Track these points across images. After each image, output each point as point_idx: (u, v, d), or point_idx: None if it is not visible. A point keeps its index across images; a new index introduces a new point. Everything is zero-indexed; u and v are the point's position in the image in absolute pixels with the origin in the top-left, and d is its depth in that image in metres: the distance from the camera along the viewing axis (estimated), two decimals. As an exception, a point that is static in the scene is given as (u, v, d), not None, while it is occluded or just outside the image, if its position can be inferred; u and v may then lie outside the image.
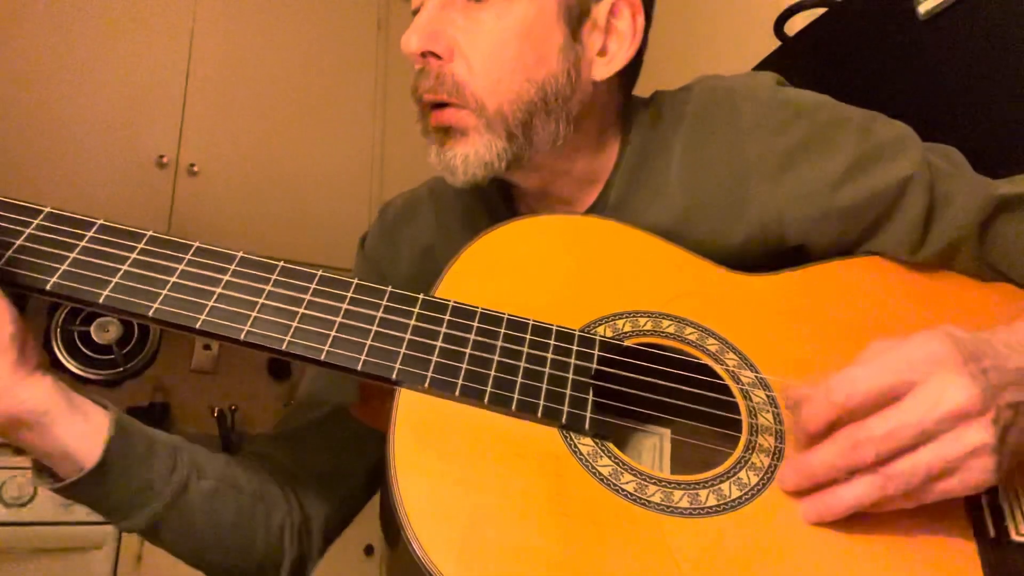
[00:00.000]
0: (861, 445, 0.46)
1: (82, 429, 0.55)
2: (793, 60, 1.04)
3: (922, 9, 0.84)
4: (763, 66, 1.07)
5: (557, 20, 0.64)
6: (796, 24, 1.05)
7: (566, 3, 0.64)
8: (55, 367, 2.25)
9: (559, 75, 0.64)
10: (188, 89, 2.32)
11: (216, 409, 2.33)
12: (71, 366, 2.25)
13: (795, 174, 0.65)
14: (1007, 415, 0.46)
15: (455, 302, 0.56)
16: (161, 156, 2.23)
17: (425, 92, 0.64)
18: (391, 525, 0.49)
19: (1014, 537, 0.50)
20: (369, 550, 2.02)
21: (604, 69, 0.67)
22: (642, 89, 0.74)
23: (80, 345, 2.27)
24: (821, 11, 1.00)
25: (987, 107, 0.80)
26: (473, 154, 0.63)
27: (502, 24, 0.62)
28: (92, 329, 2.28)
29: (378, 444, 0.73)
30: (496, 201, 0.75)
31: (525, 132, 0.64)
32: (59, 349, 2.25)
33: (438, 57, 0.63)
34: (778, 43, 1.10)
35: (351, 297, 0.55)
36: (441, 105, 0.64)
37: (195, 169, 2.28)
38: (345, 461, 0.74)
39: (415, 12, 0.66)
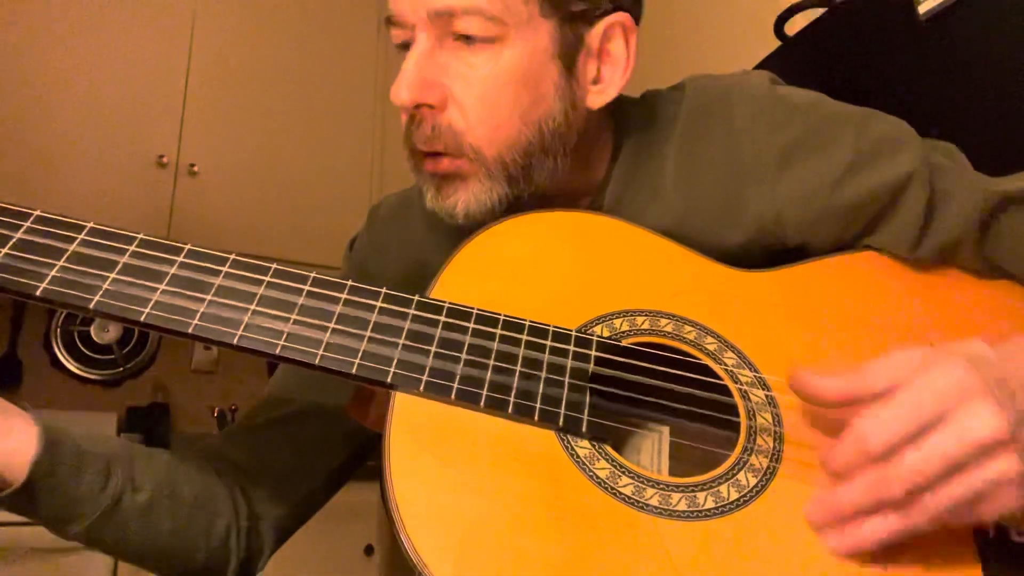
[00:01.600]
0: (889, 481, 0.45)
1: (6, 447, 0.55)
2: (793, 60, 1.04)
3: (922, 9, 0.84)
4: (763, 66, 1.06)
5: (551, 57, 0.61)
6: (796, 24, 1.05)
7: (560, 37, 0.61)
8: (55, 367, 2.25)
9: (556, 114, 0.62)
10: (188, 89, 2.32)
11: (216, 409, 2.34)
12: (71, 366, 2.26)
13: (792, 174, 0.64)
14: None
15: (450, 303, 0.55)
16: (161, 156, 2.23)
17: (420, 143, 0.62)
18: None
19: (1014, 537, 0.50)
20: (369, 550, 2.02)
21: (599, 98, 0.65)
22: (638, 89, 0.74)
23: (80, 345, 2.28)
24: (821, 11, 1.00)
25: (987, 107, 0.80)
26: (474, 201, 0.62)
27: (496, 69, 0.60)
28: (92, 329, 2.29)
29: (343, 446, 0.74)
30: None
31: (525, 174, 0.63)
32: (59, 349, 2.26)
33: (431, 107, 0.61)
34: (778, 43, 1.10)
35: (345, 299, 0.55)
36: (437, 153, 0.62)
37: (195, 169, 2.28)
38: (307, 461, 0.73)
39: (400, 46, 0.64)
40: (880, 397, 0.47)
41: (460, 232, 0.62)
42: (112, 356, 2.29)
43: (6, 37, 2.07)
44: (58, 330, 2.26)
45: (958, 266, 0.65)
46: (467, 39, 0.60)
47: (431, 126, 0.61)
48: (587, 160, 0.69)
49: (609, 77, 0.65)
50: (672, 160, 0.68)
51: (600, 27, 0.63)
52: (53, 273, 0.52)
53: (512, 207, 0.63)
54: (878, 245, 0.65)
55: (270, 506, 0.71)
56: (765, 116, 0.65)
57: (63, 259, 0.53)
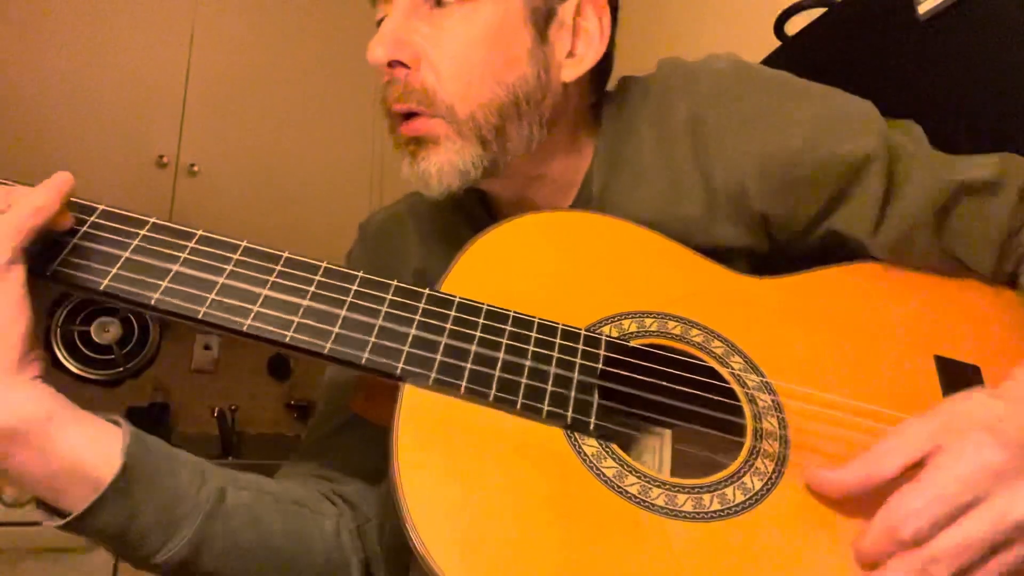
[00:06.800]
0: (935, 563, 0.44)
1: (93, 433, 0.48)
2: (793, 60, 1.04)
3: (922, 9, 0.84)
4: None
5: (523, 22, 0.63)
6: (796, 24, 1.05)
7: (531, 5, 0.63)
8: (55, 367, 2.25)
9: (529, 78, 0.63)
10: (188, 89, 2.32)
11: (216, 409, 2.33)
12: (71, 366, 2.25)
13: (752, 144, 0.64)
14: None
15: (461, 298, 0.56)
16: (161, 156, 2.23)
17: (394, 102, 0.63)
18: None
19: None
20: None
21: (573, 71, 0.66)
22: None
23: (80, 345, 2.27)
24: (821, 11, 1.00)
25: (987, 107, 0.80)
26: (447, 163, 0.62)
27: (468, 29, 0.62)
28: (92, 329, 2.28)
29: None
30: (478, 213, 0.74)
31: (499, 138, 0.63)
32: (59, 349, 2.25)
33: (405, 66, 0.62)
34: (778, 43, 1.10)
35: (356, 290, 0.55)
36: (411, 115, 0.63)
37: (195, 169, 2.28)
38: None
39: (379, 23, 0.65)
40: (907, 479, 0.46)
41: (455, 240, 0.62)
42: (112, 356, 2.29)
43: (6, 37, 2.07)
44: (58, 330, 2.26)
45: (916, 254, 0.65)
46: (440, 3, 0.62)
47: (404, 84, 0.62)
48: (573, 145, 0.70)
49: (582, 52, 0.66)
50: (648, 137, 0.68)
51: (572, 2, 0.65)
52: (63, 255, 0.51)
53: (487, 172, 0.64)
54: (838, 228, 0.65)
55: (371, 505, 0.68)
56: (728, 87, 0.66)
57: (75, 239, 0.53)
